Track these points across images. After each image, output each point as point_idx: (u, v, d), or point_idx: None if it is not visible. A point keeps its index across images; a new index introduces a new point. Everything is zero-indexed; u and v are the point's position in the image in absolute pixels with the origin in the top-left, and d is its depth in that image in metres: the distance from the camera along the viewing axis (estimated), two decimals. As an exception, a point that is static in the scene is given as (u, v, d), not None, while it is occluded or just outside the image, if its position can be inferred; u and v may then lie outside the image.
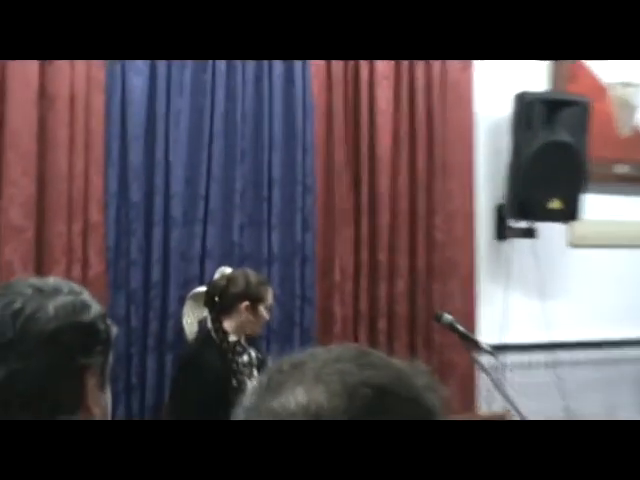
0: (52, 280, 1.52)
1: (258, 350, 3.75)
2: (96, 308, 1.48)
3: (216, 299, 3.68)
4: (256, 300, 3.65)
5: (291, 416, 0.89)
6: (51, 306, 1.40)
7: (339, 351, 0.96)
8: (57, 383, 1.40)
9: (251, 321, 3.66)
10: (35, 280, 1.50)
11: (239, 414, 0.96)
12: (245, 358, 3.65)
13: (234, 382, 3.53)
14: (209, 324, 3.69)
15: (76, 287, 1.52)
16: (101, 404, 1.48)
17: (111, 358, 1.54)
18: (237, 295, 3.66)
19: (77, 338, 1.42)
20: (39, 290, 1.43)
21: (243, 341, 3.69)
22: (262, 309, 3.66)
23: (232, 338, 3.64)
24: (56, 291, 1.45)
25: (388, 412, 0.90)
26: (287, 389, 0.91)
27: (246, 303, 3.62)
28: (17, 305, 1.39)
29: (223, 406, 2.90)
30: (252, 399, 0.95)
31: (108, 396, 1.55)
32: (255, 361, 3.60)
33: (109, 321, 1.53)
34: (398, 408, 0.91)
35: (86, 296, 1.49)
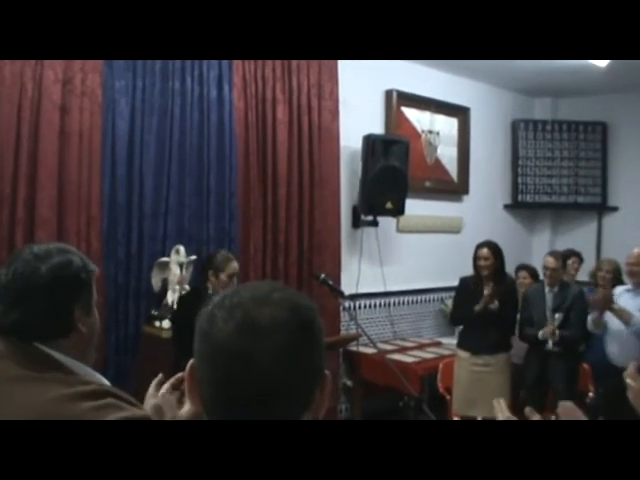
0: (47, 246, 1.50)
1: None
2: (77, 263, 1.47)
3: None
4: (217, 269, 3.80)
5: (265, 318, 0.91)
6: (43, 267, 1.42)
7: (269, 286, 0.98)
8: (54, 316, 1.42)
9: (217, 283, 3.79)
10: (35, 247, 1.48)
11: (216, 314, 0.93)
12: None
13: None
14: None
15: (67, 248, 1.51)
16: (88, 325, 1.48)
17: (94, 292, 1.53)
18: (208, 265, 3.90)
19: (64, 286, 1.43)
20: (36, 256, 1.44)
21: None
22: (222, 276, 3.78)
23: (210, 292, 3.79)
24: (48, 255, 1.44)
25: (313, 320, 0.96)
26: (253, 307, 0.92)
27: (211, 271, 3.82)
28: (20, 269, 1.42)
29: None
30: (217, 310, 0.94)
31: (95, 318, 1.52)
32: None
33: (91, 267, 1.52)
34: (316, 317, 0.97)
35: (72, 255, 1.48)
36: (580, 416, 1.75)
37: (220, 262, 3.86)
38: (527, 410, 1.64)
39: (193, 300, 3.83)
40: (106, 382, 1.49)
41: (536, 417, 1.62)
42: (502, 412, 1.68)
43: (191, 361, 0.98)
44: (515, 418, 1.67)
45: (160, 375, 1.79)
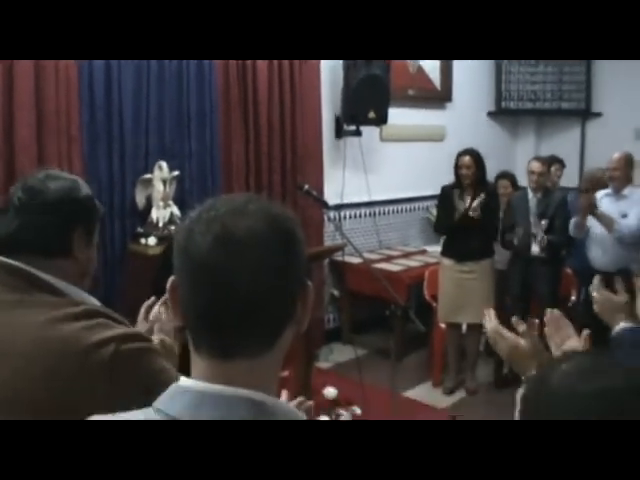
0: (61, 172, 1.58)
1: None
2: (86, 192, 1.52)
3: None
4: None
5: (242, 231, 0.89)
6: (52, 186, 1.47)
7: (245, 198, 0.96)
8: (52, 232, 1.45)
9: None
10: (50, 171, 1.54)
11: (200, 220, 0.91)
12: None
13: None
14: None
15: (80, 180, 1.56)
16: (85, 254, 1.51)
17: (97, 231, 1.56)
18: None
19: (67, 207, 1.47)
20: (48, 176, 1.50)
21: None
22: None
23: None
24: (59, 178, 1.51)
25: (291, 230, 0.95)
26: (229, 220, 0.90)
27: None
28: (30, 183, 1.48)
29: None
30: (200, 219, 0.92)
31: (93, 254, 1.55)
32: None
33: (98, 204, 1.57)
34: (295, 227, 0.96)
35: (80, 184, 1.53)
36: (566, 324, 1.85)
37: None
38: (514, 320, 1.71)
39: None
40: (98, 304, 1.50)
41: (522, 327, 1.68)
42: (490, 322, 1.76)
43: (172, 277, 0.97)
44: (502, 328, 1.74)
45: (152, 298, 1.83)
